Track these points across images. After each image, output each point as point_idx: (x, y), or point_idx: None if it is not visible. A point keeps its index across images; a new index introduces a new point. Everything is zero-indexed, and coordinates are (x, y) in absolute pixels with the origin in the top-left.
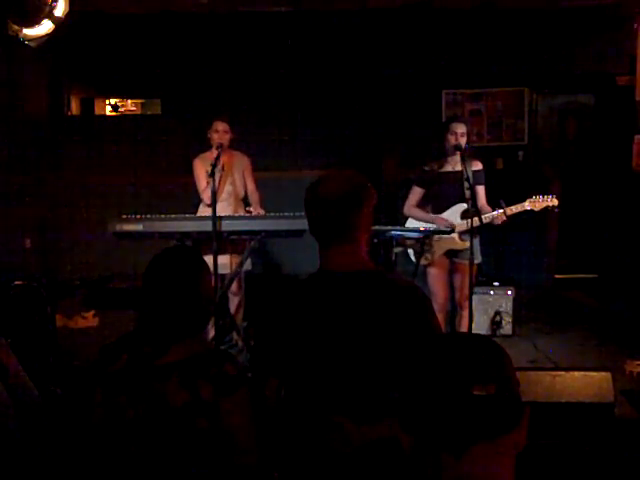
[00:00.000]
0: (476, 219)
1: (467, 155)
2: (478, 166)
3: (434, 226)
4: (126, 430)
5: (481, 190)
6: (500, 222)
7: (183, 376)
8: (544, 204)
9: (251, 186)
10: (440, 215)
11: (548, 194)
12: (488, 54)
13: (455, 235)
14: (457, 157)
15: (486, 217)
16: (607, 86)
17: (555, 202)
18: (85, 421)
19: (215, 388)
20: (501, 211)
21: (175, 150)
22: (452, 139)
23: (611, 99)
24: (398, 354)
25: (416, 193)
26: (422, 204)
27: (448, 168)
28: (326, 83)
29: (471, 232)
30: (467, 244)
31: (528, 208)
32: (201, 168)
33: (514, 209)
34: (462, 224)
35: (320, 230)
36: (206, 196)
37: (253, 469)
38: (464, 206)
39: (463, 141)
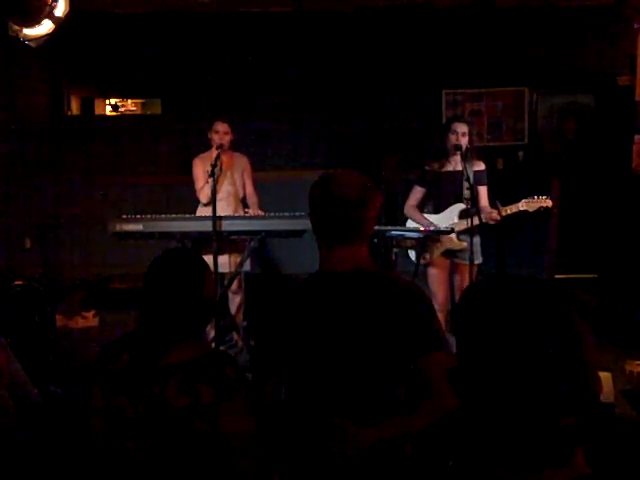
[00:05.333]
0: (475, 219)
1: (470, 155)
2: (480, 166)
3: (434, 226)
4: (126, 430)
5: (483, 190)
6: (494, 222)
7: (184, 379)
8: (538, 204)
9: (250, 189)
10: (437, 216)
11: (543, 194)
12: (488, 54)
13: (452, 235)
14: (458, 157)
15: (481, 217)
16: (607, 86)
17: (549, 203)
18: (85, 420)
19: (216, 391)
20: (496, 211)
21: (175, 150)
22: (453, 138)
23: (611, 99)
24: (399, 353)
25: (417, 192)
26: (423, 204)
27: (449, 168)
28: (326, 83)
29: (471, 232)
30: (464, 244)
31: (522, 209)
32: (200, 168)
33: (509, 210)
34: (460, 224)
35: (328, 229)
36: (202, 196)
37: (253, 472)
38: (462, 206)
39: (464, 141)
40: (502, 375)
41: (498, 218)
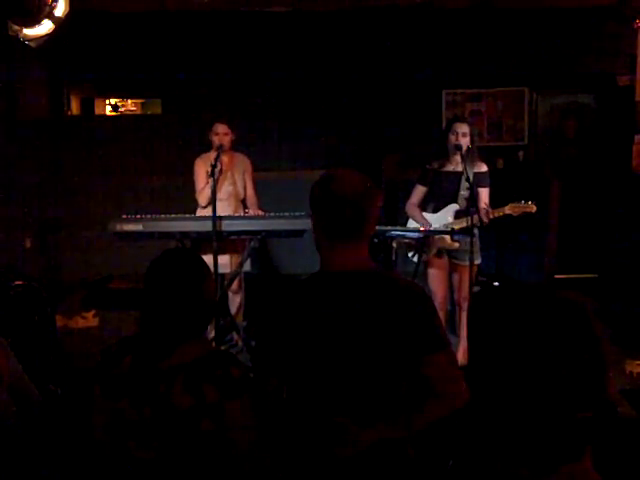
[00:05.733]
0: (463, 220)
1: (472, 156)
2: (482, 168)
3: (434, 226)
4: (129, 432)
5: (484, 192)
6: (484, 224)
7: (188, 379)
8: (522, 210)
9: (250, 190)
10: (433, 216)
11: (533, 198)
12: (488, 54)
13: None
14: (458, 157)
15: (468, 219)
16: (607, 86)
17: (533, 208)
18: (86, 423)
19: (220, 391)
20: (484, 213)
21: (175, 150)
22: (453, 138)
23: (611, 99)
24: (401, 354)
25: (418, 191)
26: (424, 203)
27: (449, 168)
28: (326, 83)
29: (471, 232)
30: (456, 245)
31: (507, 212)
32: (201, 169)
33: (496, 213)
34: (455, 223)
35: (330, 229)
36: (202, 198)
37: (256, 471)
38: (456, 207)
39: (464, 141)
40: (521, 376)
41: (486, 221)
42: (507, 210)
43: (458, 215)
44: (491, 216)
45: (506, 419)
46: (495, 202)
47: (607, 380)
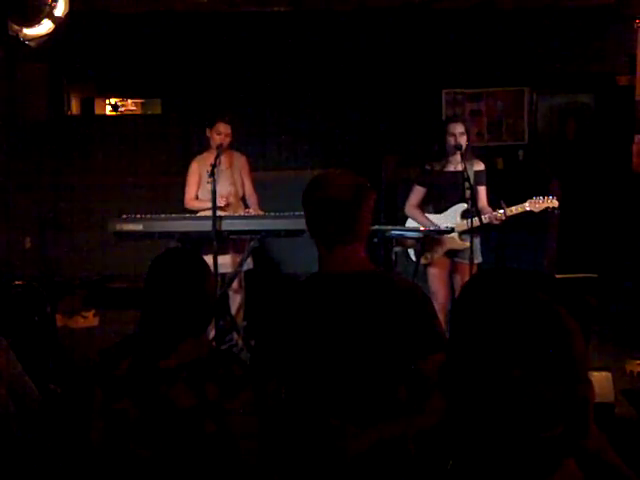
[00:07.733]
0: (476, 219)
1: (469, 155)
2: (480, 166)
3: (434, 226)
4: (130, 431)
5: (482, 190)
6: (499, 222)
7: (190, 379)
8: (544, 205)
9: (249, 187)
10: (439, 216)
11: (548, 195)
12: (488, 54)
13: (455, 235)
14: (458, 157)
15: (485, 217)
16: (607, 86)
17: (555, 203)
18: (86, 422)
19: (222, 389)
20: (501, 211)
21: (175, 150)
22: (451, 140)
23: (611, 99)
24: (400, 355)
25: (417, 192)
26: (423, 204)
27: (450, 168)
28: (326, 83)
29: (471, 232)
30: (467, 244)
31: (528, 209)
32: (196, 172)
33: (514, 210)
34: (462, 224)
35: (324, 231)
36: (191, 204)
37: (254, 470)
38: (464, 206)
39: (463, 140)
40: (488, 375)
41: (503, 218)
42: (527, 206)
43: (465, 215)
44: (509, 213)
45: (476, 426)
46: (495, 202)
47: (582, 386)
